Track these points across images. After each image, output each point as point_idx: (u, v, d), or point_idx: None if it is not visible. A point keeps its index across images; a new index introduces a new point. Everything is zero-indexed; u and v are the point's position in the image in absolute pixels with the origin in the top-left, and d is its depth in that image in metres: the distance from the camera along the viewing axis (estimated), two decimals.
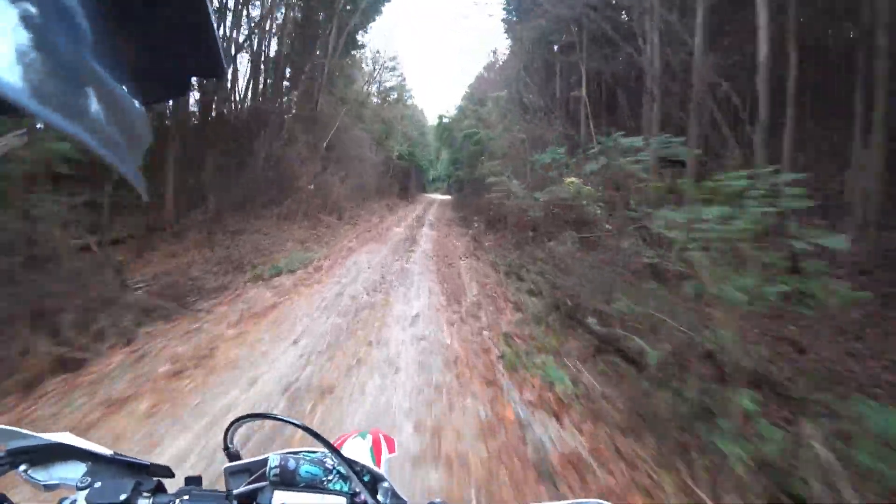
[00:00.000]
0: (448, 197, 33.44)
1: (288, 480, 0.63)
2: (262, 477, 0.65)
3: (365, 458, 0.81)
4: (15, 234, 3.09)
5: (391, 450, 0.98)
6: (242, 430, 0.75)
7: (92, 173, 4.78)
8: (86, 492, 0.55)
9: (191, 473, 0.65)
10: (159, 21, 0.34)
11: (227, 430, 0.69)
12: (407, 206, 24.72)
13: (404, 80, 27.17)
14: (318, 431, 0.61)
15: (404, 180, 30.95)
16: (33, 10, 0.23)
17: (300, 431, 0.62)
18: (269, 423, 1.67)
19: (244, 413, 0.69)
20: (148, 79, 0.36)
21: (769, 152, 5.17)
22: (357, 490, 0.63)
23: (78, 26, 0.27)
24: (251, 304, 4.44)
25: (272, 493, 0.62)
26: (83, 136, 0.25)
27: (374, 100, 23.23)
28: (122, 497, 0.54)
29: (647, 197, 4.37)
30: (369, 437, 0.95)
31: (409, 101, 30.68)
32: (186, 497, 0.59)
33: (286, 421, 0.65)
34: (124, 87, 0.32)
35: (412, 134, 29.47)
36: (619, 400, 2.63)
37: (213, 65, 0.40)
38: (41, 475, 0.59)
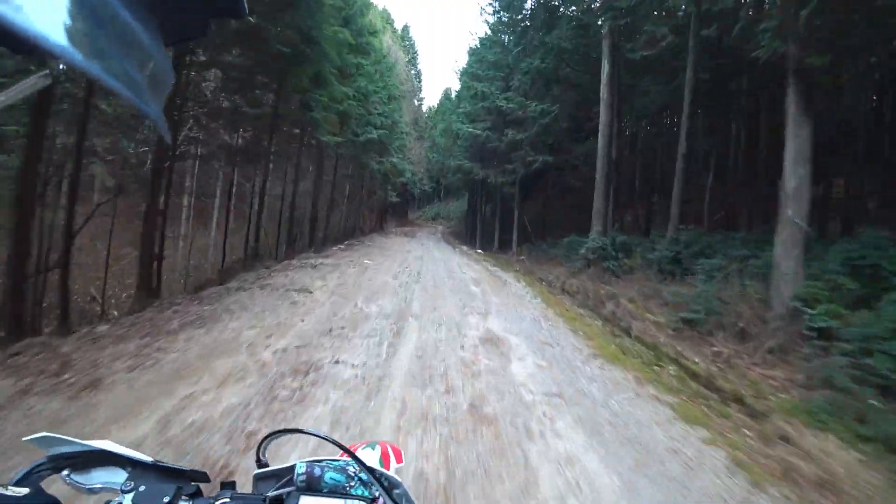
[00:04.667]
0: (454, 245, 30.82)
1: (314, 486, 0.68)
2: (290, 483, 0.69)
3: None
4: None
5: (398, 460, 1.03)
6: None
7: None
8: (131, 494, 0.56)
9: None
10: None
11: (260, 444, 0.73)
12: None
13: None
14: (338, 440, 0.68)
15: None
16: None
17: (313, 440, 0.73)
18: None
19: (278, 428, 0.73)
20: (168, 18, 0.36)
21: None
22: (377, 495, 0.68)
23: None
24: None
25: (299, 497, 0.67)
26: (105, 77, 0.25)
27: None
28: (166, 500, 0.57)
29: None
30: (378, 448, 1.00)
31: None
32: (227, 500, 0.63)
33: (315, 434, 0.68)
34: (144, 26, 0.32)
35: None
36: None
37: (233, 4, 0.39)
38: (83, 479, 0.60)
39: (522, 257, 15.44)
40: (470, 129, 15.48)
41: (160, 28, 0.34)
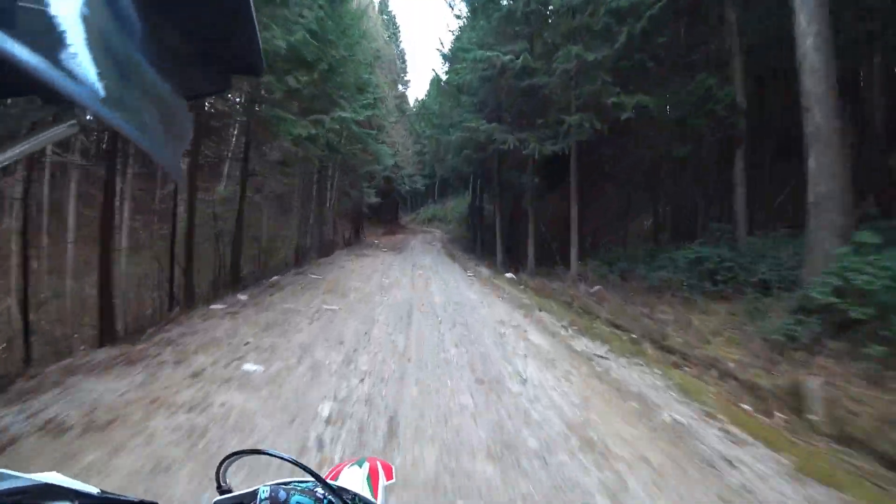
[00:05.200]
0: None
1: None
2: None
3: (359, 487, 0.83)
4: None
5: (388, 477, 0.99)
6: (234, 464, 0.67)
7: None
8: None
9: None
10: (202, 16, 0.35)
11: (220, 466, 0.68)
12: None
13: None
14: (307, 464, 0.63)
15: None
16: (87, 5, 0.24)
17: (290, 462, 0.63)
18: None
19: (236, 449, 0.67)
20: (190, 74, 0.38)
21: None
22: None
23: (127, 20, 0.28)
24: None
25: None
26: (128, 129, 0.27)
27: None
28: None
29: None
30: (366, 465, 0.96)
31: None
32: None
33: (277, 456, 0.65)
34: (168, 82, 0.33)
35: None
36: None
37: (253, 62, 0.41)
38: None
39: (595, 289, 8.30)
40: (489, 54, 8.41)
41: (182, 83, 0.36)
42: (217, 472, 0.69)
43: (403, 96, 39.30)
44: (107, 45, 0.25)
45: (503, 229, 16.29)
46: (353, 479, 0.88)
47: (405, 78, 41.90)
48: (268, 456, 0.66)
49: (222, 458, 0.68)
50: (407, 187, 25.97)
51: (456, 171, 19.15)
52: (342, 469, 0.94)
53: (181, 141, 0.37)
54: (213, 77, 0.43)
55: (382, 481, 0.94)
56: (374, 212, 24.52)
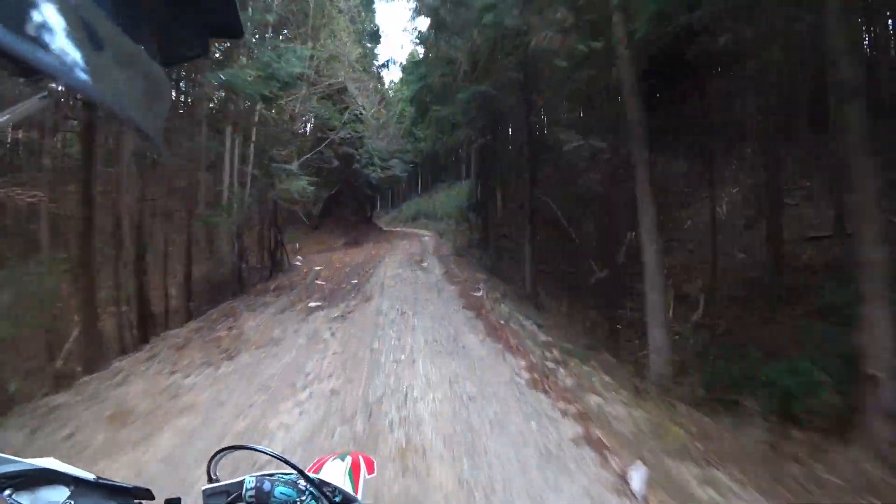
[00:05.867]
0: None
1: (263, 501, 0.68)
2: (239, 498, 0.70)
3: (341, 480, 0.89)
4: None
5: (370, 471, 1.05)
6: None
7: None
8: None
9: (170, 494, 0.67)
10: None
11: (210, 460, 0.73)
12: None
13: None
14: (288, 457, 0.68)
15: None
16: None
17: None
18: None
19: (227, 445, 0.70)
20: (167, 38, 0.37)
21: None
22: None
23: None
24: None
25: None
26: (103, 97, 0.26)
27: None
28: None
29: None
30: (348, 459, 1.01)
31: None
32: None
33: (264, 452, 0.70)
34: (143, 46, 0.33)
35: None
36: None
37: (231, 24, 0.40)
38: (26, 499, 0.58)
39: None
40: None
41: (159, 48, 0.35)
42: (208, 466, 0.73)
43: (377, 76, 30.81)
44: (75, 10, 0.24)
45: (532, 239, 8.59)
46: (335, 473, 0.94)
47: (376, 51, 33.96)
48: (256, 452, 0.71)
49: (212, 453, 0.72)
50: (378, 172, 17.94)
51: (449, 141, 11.39)
52: (325, 462, 0.99)
53: (161, 106, 0.36)
54: (190, 41, 0.41)
55: (364, 475, 0.99)
56: (328, 211, 16.56)
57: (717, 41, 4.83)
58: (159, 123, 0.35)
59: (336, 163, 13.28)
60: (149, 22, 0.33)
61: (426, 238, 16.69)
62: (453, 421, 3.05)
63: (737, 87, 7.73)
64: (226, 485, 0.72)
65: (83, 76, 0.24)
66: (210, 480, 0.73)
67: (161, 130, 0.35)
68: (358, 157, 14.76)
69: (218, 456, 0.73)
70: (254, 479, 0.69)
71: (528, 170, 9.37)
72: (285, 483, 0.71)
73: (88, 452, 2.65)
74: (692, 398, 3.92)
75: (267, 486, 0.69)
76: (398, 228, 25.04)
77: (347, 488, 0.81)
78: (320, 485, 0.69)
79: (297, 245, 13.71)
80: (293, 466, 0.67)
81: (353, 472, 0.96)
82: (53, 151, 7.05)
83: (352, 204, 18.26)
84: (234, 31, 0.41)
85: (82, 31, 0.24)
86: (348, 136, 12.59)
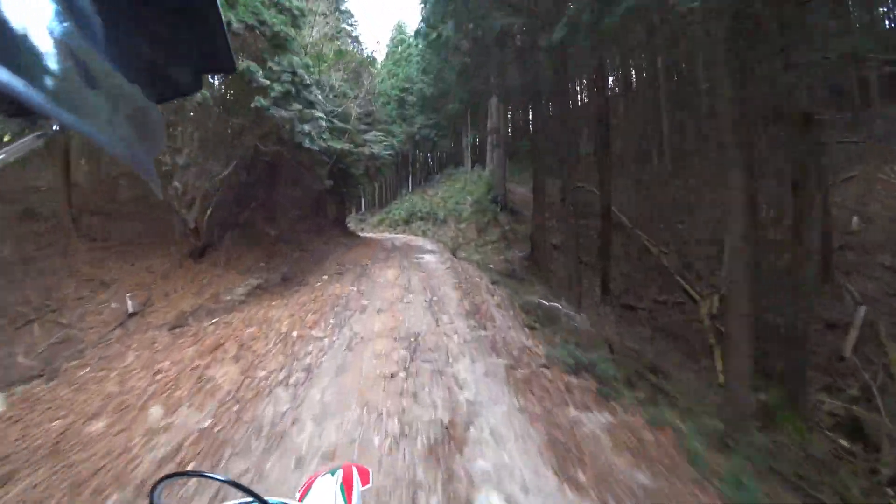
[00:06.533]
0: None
1: None
2: None
3: (331, 496, 0.88)
4: None
5: (364, 482, 1.01)
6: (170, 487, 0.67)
7: None
8: None
9: None
10: (168, 17, 0.35)
11: (153, 488, 0.66)
12: None
13: None
14: (246, 484, 0.63)
15: None
16: (47, 10, 0.24)
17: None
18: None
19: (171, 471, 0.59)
20: (159, 76, 0.38)
21: None
22: None
23: (90, 26, 0.28)
24: None
25: None
26: (97, 136, 0.26)
27: None
28: None
29: None
30: (339, 473, 0.99)
31: None
32: None
33: (215, 479, 0.65)
34: (136, 85, 0.34)
35: None
36: None
37: (223, 59, 0.41)
38: None
39: None
40: None
41: (151, 85, 0.36)
42: (151, 493, 0.67)
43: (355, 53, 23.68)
44: (68, 50, 0.24)
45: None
46: (325, 489, 0.91)
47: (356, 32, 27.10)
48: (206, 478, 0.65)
49: (157, 479, 0.67)
50: (342, 145, 10.65)
51: None
52: (314, 480, 0.97)
53: (154, 143, 0.37)
54: (183, 78, 0.42)
55: (357, 486, 0.97)
56: (229, 218, 8.94)
57: None
58: (152, 158, 0.36)
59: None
60: (139, 60, 0.33)
61: (432, 260, 9.38)
62: None
63: None
64: None
65: (76, 114, 0.24)
66: None
67: (152, 164, 0.35)
68: (294, 112, 7.53)
69: (163, 482, 0.66)
70: None
71: None
72: None
73: None
74: None
75: None
76: (385, 235, 17.97)
77: (339, 503, 0.84)
78: None
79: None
80: (251, 493, 0.62)
81: (346, 486, 0.93)
82: None
83: (291, 201, 10.86)
84: (226, 66, 0.41)
85: (76, 70, 0.25)
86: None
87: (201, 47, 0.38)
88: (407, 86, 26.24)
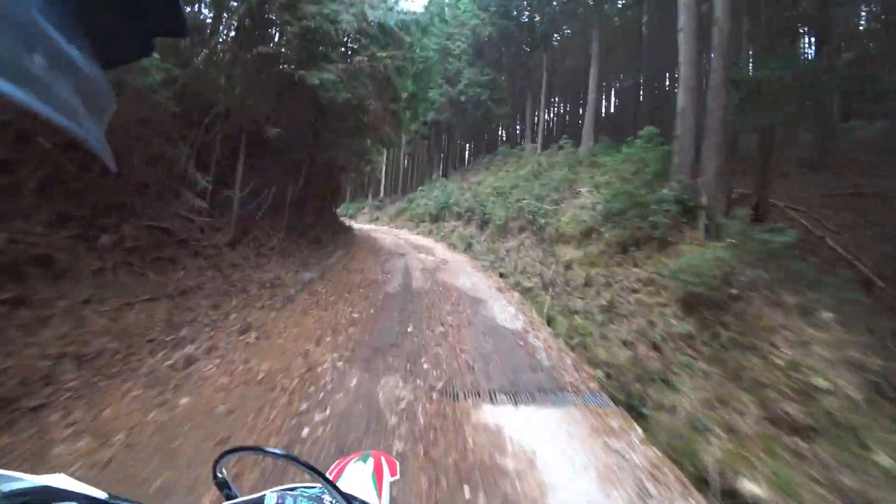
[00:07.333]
0: None
1: None
2: None
3: (366, 484, 0.89)
4: None
5: (393, 472, 1.03)
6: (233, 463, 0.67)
7: None
8: None
9: None
10: None
11: (215, 463, 0.71)
12: None
13: None
14: (313, 463, 0.63)
15: None
16: None
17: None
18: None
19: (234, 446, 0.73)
20: (106, 39, 0.35)
21: None
22: None
23: None
24: None
25: None
26: (34, 103, 0.25)
27: None
28: None
29: None
30: (371, 461, 1.01)
31: None
32: None
33: (278, 454, 0.64)
34: (79, 48, 0.31)
35: None
36: None
37: (175, 22, 0.39)
38: None
39: None
40: None
41: (98, 50, 0.34)
42: (213, 468, 0.70)
43: None
44: (0, 10, 0.23)
45: None
46: (358, 476, 0.92)
47: None
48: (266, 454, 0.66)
49: (220, 453, 0.69)
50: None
51: None
52: (347, 464, 0.98)
53: (103, 114, 0.35)
54: (132, 41, 0.39)
55: (387, 476, 0.98)
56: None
57: None
58: (102, 130, 0.34)
59: None
60: (82, 20, 0.31)
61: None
62: None
63: None
64: (243, 501, 0.66)
65: (12, 81, 0.23)
66: (215, 480, 0.69)
67: (103, 137, 0.33)
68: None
69: (223, 459, 0.67)
70: (275, 494, 0.65)
71: None
72: (309, 498, 0.66)
73: None
74: None
75: (289, 502, 0.64)
76: (400, 239, 11.66)
77: (371, 495, 0.83)
78: (348, 498, 0.62)
79: None
80: (319, 473, 0.60)
81: (377, 475, 0.94)
82: None
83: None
84: (179, 29, 0.39)
85: (7, 29, 0.23)
86: None
87: (152, 8, 0.36)
88: (453, 30, 19.60)
